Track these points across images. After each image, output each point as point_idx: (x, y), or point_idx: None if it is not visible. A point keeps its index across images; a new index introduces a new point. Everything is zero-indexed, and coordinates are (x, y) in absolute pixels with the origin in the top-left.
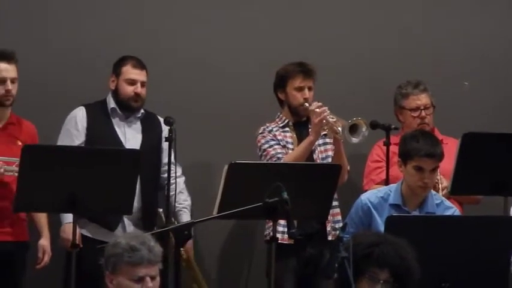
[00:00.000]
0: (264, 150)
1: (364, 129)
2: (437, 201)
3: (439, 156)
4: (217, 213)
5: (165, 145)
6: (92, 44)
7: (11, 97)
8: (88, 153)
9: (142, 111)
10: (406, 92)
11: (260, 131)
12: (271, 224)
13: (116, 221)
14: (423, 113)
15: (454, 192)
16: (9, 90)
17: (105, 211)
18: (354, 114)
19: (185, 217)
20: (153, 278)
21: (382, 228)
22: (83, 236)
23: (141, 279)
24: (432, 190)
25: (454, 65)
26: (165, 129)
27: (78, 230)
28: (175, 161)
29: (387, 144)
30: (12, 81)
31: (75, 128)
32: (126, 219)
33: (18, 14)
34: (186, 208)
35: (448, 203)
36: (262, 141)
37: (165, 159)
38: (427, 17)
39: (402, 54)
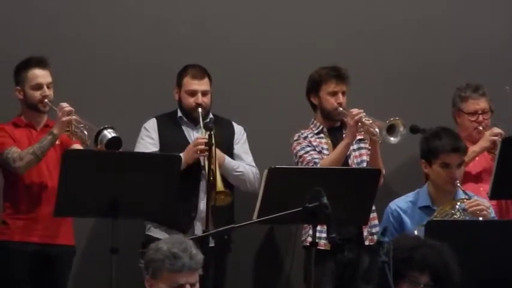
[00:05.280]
0: (300, 156)
1: (401, 129)
2: (466, 197)
3: (463, 150)
4: (257, 218)
5: (236, 150)
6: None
7: (48, 101)
8: (128, 158)
9: (211, 116)
10: (465, 95)
11: (295, 138)
12: (308, 229)
13: (188, 223)
14: (480, 118)
15: (493, 197)
16: (46, 96)
17: (145, 216)
18: (392, 116)
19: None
20: (192, 285)
21: (414, 232)
22: (153, 238)
23: (180, 287)
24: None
25: (495, 67)
26: (238, 134)
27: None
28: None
29: None
30: (48, 86)
31: (149, 137)
32: (197, 222)
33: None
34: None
35: (477, 197)
36: (298, 147)
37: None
38: (468, 16)
39: (440, 56)
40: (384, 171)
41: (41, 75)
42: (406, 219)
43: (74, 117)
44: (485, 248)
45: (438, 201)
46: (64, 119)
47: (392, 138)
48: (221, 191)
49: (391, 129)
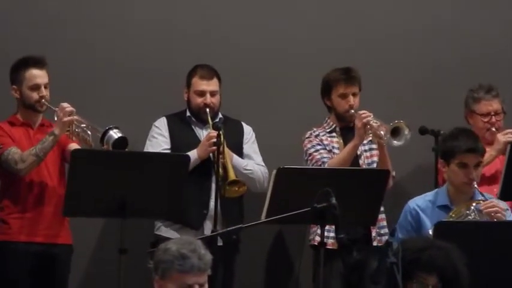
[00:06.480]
0: (310, 154)
1: (406, 132)
2: (483, 198)
3: (481, 151)
4: (266, 218)
5: (245, 149)
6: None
7: (45, 101)
8: (137, 158)
9: (220, 116)
10: (478, 96)
11: (307, 136)
12: (315, 228)
13: (200, 220)
14: (493, 119)
15: (503, 198)
16: (44, 96)
17: (154, 216)
18: (401, 118)
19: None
20: (201, 286)
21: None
22: (162, 237)
23: (189, 287)
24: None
25: (504, 68)
26: (247, 134)
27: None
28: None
29: (436, 150)
30: (45, 86)
31: (162, 135)
32: (207, 220)
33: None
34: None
35: (495, 199)
36: (309, 145)
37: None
38: (476, 17)
39: (450, 58)
40: (394, 173)
41: (39, 75)
42: (425, 218)
43: (75, 117)
44: (494, 250)
45: (456, 201)
46: (65, 119)
47: (395, 142)
48: (235, 180)
49: (395, 132)
